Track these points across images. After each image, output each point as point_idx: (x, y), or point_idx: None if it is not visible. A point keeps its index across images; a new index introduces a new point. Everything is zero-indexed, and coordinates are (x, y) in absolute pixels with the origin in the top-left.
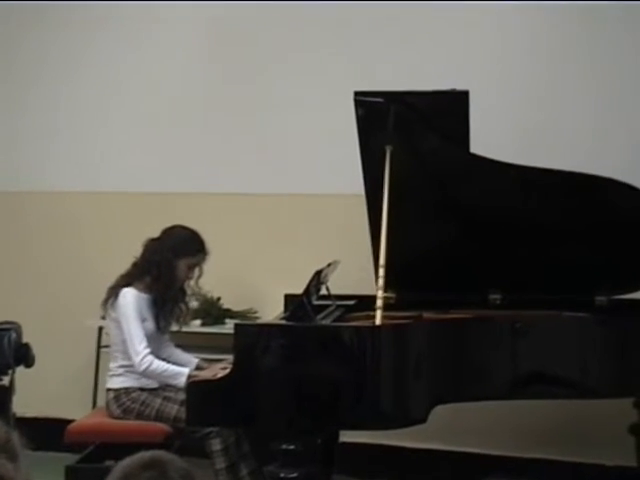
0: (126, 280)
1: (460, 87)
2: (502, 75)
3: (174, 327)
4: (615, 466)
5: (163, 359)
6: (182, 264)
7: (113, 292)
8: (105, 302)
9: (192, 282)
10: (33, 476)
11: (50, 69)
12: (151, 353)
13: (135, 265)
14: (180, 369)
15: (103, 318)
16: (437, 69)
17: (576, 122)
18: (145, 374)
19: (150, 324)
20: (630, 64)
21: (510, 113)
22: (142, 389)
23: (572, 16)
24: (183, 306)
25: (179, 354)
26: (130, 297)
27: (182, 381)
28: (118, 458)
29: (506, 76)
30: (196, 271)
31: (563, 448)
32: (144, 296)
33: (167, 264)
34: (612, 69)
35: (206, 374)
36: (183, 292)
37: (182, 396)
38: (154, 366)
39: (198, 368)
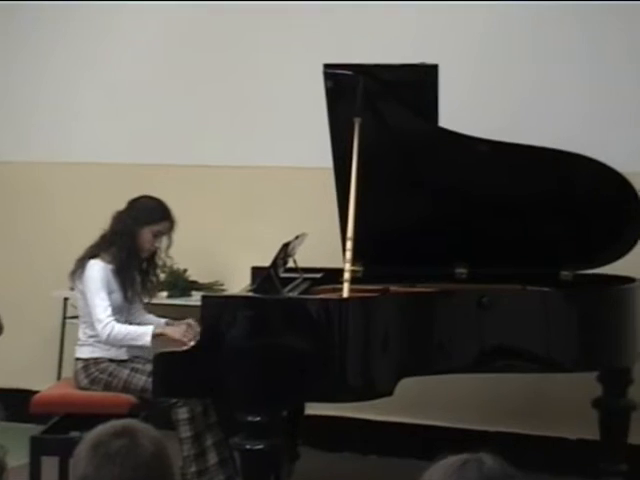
0: (93, 251)
1: (431, 61)
2: (473, 50)
3: (145, 299)
4: (578, 439)
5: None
6: (145, 232)
7: (80, 264)
8: (73, 274)
9: (162, 253)
10: None
11: (21, 42)
12: (114, 320)
13: (102, 237)
14: (144, 328)
15: (71, 289)
16: (411, 43)
17: (547, 99)
18: (109, 341)
19: (118, 295)
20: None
21: (481, 88)
22: (111, 360)
23: None
24: (154, 278)
25: (152, 319)
26: (96, 269)
27: (148, 340)
28: (83, 429)
29: (478, 51)
30: (165, 241)
31: (527, 422)
32: (111, 267)
33: (129, 232)
34: (593, 45)
35: (172, 331)
36: (154, 264)
37: (150, 367)
38: (116, 330)
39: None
